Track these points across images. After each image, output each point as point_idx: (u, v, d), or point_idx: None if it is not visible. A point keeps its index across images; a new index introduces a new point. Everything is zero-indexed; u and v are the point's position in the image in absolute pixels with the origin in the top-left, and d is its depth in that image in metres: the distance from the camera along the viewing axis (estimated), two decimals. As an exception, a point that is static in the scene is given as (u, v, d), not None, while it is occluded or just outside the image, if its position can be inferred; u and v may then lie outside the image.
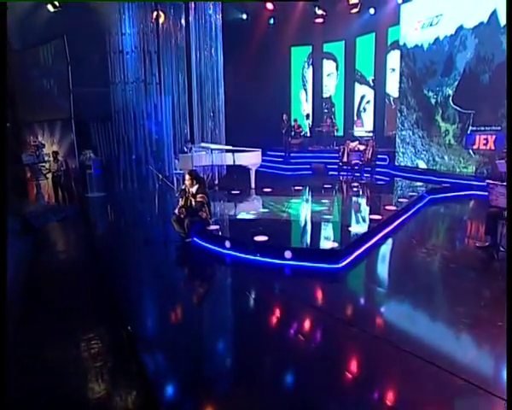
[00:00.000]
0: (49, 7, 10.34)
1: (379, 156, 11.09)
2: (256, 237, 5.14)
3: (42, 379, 3.06)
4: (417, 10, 10.67)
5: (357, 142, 11.32)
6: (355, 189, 9.38)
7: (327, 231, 5.91)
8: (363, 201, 8.37)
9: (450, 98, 9.95)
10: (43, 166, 9.51)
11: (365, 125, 13.66)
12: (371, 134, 12.46)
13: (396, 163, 11.49)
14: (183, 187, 5.56)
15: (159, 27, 10.97)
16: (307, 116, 15.00)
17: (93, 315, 4.07)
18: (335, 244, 4.98)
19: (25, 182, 9.99)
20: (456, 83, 9.81)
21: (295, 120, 13.95)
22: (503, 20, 8.69)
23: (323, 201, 7.84)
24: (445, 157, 10.23)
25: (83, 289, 4.70)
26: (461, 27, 9.59)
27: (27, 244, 6.72)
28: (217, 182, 9.98)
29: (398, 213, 6.50)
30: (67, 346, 3.47)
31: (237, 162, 9.22)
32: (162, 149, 10.60)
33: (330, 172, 11.74)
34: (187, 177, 5.52)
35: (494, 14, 8.86)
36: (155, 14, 11.01)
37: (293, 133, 13.51)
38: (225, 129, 10.98)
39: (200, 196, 5.39)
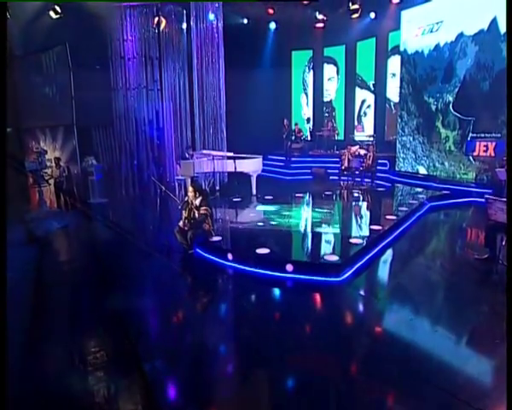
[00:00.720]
0: (51, 14, 10.41)
1: (379, 161, 11.14)
2: (257, 249, 5.19)
3: (41, 384, 3.14)
4: (418, 17, 10.70)
5: (357, 146, 11.38)
6: (356, 196, 9.43)
7: (328, 242, 5.96)
8: (363, 210, 8.41)
9: (451, 105, 10.00)
10: (46, 173, 9.58)
11: (366, 130, 13.70)
12: (372, 139, 12.51)
13: (396, 168, 11.54)
14: (186, 199, 5.64)
15: (160, 33, 11.03)
16: (308, 120, 15.04)
17: (94, 324, 4.14)
18: (336, 257, 5.03)
19: (27, 188, 10.07)
20: (456, 89, 9.85)
21: (296, 124, 14.00)
22: (502, 28, 8.73)
23: (324, 210, 7.88)
24: (446, 163, 10.28)
25: (85, 298, 4.77)
26: (461, 34, 9.63)
27: (29, 253, 6.78)
28: (218, 188, 10.04)
29: (399, 223, 6.55)
30: (69, 356, 3.55)
31: (238, 169, 9.27)
32: (163, 155, 10.65)
33: (331, 177, 11.80)
34: (190, 189, 5.60)
35: (494, 21, 8.90)
36: (156, 19, 11.06)
37: (293, 137, 13.57)
38: (226, 134, 11.02)
39: (203, 208, 5.47)
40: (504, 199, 4.18)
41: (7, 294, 2.75)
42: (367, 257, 5.29)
